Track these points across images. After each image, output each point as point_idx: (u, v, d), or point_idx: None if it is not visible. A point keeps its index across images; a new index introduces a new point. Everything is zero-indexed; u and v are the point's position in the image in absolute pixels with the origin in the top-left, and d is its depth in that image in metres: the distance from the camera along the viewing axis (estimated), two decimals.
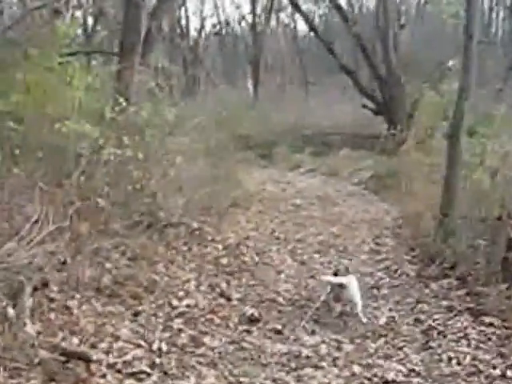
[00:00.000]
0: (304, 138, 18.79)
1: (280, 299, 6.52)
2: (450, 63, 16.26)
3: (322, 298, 6.20)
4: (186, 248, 7.96)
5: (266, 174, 16.17)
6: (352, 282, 6.08)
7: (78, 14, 20.07)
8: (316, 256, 8.33)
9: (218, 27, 36.33)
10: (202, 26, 34.88)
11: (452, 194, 8.20)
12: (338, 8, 17.62)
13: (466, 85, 8.15)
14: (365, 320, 5.93)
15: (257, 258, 8.03)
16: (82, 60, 11.70)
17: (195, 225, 8.65)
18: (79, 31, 20.27)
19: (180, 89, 26.85)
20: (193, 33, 33.99)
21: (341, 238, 9.44)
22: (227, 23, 36.14)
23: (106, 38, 20.69)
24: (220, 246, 8.28)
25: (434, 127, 13.43)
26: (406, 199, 11.53)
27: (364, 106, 17.53)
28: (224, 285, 6.83)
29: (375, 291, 6.92)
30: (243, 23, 34.91)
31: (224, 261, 7.71)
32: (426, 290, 6.80)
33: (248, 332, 5.58)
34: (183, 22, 32.25)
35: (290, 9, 32.43)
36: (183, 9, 31.39)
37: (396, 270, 7.63)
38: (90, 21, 21.15)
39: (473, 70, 8.24)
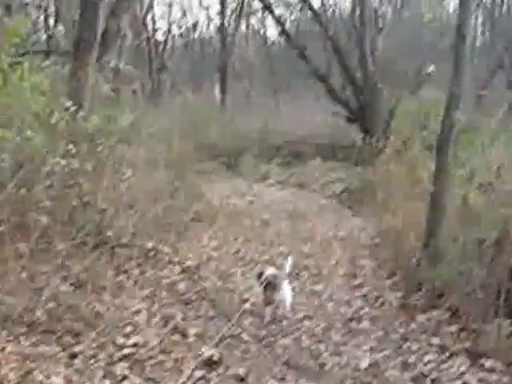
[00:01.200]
0: (273, 147, 18.03)
1: (244, 335, 5.73)
2: (429, 69, 15.69)
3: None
4: (138, 271, 7.10)
5: (231, 185, 15.34)
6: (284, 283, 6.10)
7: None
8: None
9: (185, 31, 35.59)
10: (169, 30, 34.08)
11: (439, 211, 7.47)
12: (312, 10, 16.91)
13: (457, 91, 7.43)
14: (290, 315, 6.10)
15: (219, 283, 7.20)
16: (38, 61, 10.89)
17: (150, 244, 7.79)
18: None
19: (144, 94, 26.22)
20: (160, 37, 33.17)
21: (313, 259, 8.65)
22: (194, 26, 35.29)
23: (65, 37, 19.89)
24: (178, 269, 7.45)
25: (413, 137, 12.78)
26: (383, 215, 10.83)
27: (335, 114, 16.81)
28: (180, 317, 6.01)
29: (354, 324, 6.15)
30: (211, 27, 34.26)
31: (181, 286, 6.88)
32: (413, 324, 6.04)
33: (205, 380, 4.75)
34: (149, 25, 31.41)
35: (260, 14, 32.07)
36: (150, 12, 30.55)
37: (377, 298, 6.87)
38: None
39: (465, 75, 7.54)
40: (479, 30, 26.88)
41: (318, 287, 7.34)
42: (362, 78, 15.68)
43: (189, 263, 7.72)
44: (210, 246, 8.98)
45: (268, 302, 6.13)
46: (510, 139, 9.53)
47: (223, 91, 25.85)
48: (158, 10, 30.31)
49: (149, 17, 30.34)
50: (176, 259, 7.78)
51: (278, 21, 17.83)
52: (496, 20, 23.94)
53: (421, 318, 6.13)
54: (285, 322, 6.11)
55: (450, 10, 26.92)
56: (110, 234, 7.15)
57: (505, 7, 25.29)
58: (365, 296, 6.99)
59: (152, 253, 7.67)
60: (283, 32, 17.86)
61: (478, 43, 26.32)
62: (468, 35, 7.70)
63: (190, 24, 35.32)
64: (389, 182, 11.91)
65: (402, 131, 13.46)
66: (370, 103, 15.52)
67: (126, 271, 6.94)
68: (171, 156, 11.82)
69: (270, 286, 6.08)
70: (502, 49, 19.83)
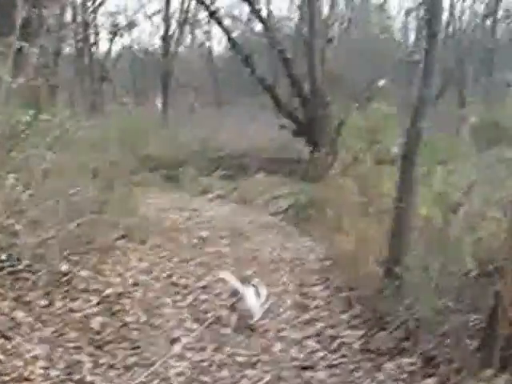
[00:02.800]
0: (216, 159, 16.69)
1: None
2: (381, 83, 14.66)
3: None
4: (44, 303, 5.61)
5: (170, 198, 13.96)
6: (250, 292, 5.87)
7: None
8: (223, 314, 6.17)
9: (129, 40, 34.01)
10: (113, 39, 32.41)
11: (405, 234, 6.28)
12: (260, 19, 15.67)
13: (426, 94, 6.26)
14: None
15: (144, 318, 5.78)
16: None
17: (64, 268, 6.33)
18: None
19: (84, 104, 24.67)
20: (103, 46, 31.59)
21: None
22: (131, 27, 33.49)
23: None
24: (95, 299, 5.99)
25: (363, 151, 11.66)
26: (334, 235, 9.63)
27: (282, 127, 15.59)
28: (89, 366, 4.59)
29: (307, 374, 4.83)
30: (156, 38, 32.78)
31: (96, 323, 5.43)
32: (380, 375, 4.74)
33: None
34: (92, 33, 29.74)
35: (205, 26, 30.78)
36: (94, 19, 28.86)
37: (333, 339, 5.56)
38: None
39: (435, 76, 6.38)
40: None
41: (263, 321, 6.02)
42: (310, 90, 14.51)
43: (109, 291, 6.28)
44: (138, 269, 7.60)
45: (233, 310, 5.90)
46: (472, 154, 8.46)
47: (165, 102, 24.43)
48: (102, 17, 28.70)
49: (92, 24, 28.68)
50: (95, 286, 6.33)
51: (224, 28, 16.56)
52: (445, 38, 23.24)
53: (389, 366, 4.85)
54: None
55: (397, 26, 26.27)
56: (13, 254, 5.71)
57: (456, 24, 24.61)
58: (319, 335, 5.68)
59: (65, 278, 6.20)
60: (229, 40, 16.57)
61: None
62: (439, 32, 6.59)
63: (133, 32, 33.61)
64: (340, 199, 10.75)
65: (352, 145, 12.36)
66: (318, 116, 14.36)
67: (27, 302, 5.47)
68: (104, 166, 10.41)
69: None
70: (452, 66, 19.02)
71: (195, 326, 5.74)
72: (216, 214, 12.29)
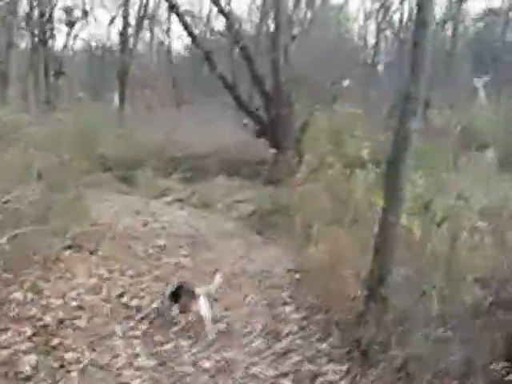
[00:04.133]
0: (174, 160, 15.54)
1: None
2: (345, 83, 13.78)
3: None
4: None
5: (125, 202, 12.81)
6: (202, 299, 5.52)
7: None
8: (184, 344, 5.16)
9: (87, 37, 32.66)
10: (69, 33, 30.92)
11: (391, 249, 5.37)
12: (223, 14, 14.61)
13: (415, 91, 5.36)
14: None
15: (88, 354, 4.74)
16: None
17: None
18: None
19: (37, 99, 23.37)
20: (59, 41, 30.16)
21: (220, 305, 6.35)
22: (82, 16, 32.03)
23: None
24: (29, 330, 4.93)
25: (332, 154, 10.76)
26: (303, 244, 8.70)
27: (244, 126, 14.57)
28: None
29: None
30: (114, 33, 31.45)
31: (27, 364, 4.37)
32: None
33: None
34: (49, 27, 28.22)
35: (165, 23, 29.63)
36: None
37: (313, 378, 4.62)
38: None
39: (425, 72, 5.47)
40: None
41: (229, 354, 5.04)
42: (274, 89, 13.54)
43: (48, 319, 5.21)
44: (85, 286, 6.53)
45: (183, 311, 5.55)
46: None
47: (122, 99, 23.14)
48: (59, 12, 27.29)
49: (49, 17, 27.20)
50: (31, 312, 5.27)
51: (184, 22, 15.44)
52: (402, 43, 22.53)
53: None
54: None
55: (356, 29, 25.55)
56: None
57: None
58: (295, 372, 4.72)
59: None
60: (189, 34, 15.45)
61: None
62: (430, 23, 5.69)
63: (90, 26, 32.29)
64: (308, 206, 9.83)
65: (317, 147, 11.43)
66: (281, 116, 13.39)
67: None
68: (51, 165, 9.32)
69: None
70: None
71: (151, 362, 4.72)
72: (174, 219, 11.21)
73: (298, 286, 7.21)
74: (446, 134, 9.35)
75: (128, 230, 9.92)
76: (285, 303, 6.49)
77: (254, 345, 5.25)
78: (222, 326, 5.68)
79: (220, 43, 25.75)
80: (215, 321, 5.77)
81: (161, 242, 9.21)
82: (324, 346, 5.17)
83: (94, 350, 4.79)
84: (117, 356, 4.74)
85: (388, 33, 24.93)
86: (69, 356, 4.60)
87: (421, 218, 5.80)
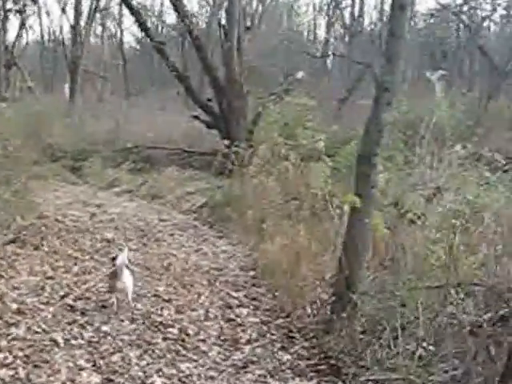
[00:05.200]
0: (124, 151, 14.58)
1: None
2: (299, 75, 13.06)
3: None
4: None
5: (73, 192, 11.89)
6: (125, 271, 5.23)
7: None
8: (132, 356, 4.35)
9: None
10: (23, 24, 29.33)
11: (361, 250, 4.68)
12: (175, 5, 13.63)
13: (389, 80, 4.66)
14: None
15: (22, 372, 3.87)
16: None
17: None
18: None
19: None
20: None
21: (172, 307, 5.55)
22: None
23: None
24: None
25: (286, 146, 10.04)
26: (257, 239, 7.97)
27: (195, 117, 13.68)
28: None
29: None
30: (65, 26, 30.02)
31: None
32: None
33: None
34: None
35: (116, 15, 28.50)
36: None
37: None
38: None
39: (401, 59, 4.79)
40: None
41: (183, 365, 4.26)
42: (226, 80, 12.72)
43: None
44: (27, 286, 5.66)
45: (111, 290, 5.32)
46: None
47: (73, 90, 21.94)
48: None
49: None
50: None
51: (136, 13, 14.43)
52: (355, 35, 22.00)
53: None
54: None
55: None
56: None
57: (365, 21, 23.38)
58: None
59: None
60: (140, 25, 14.46)
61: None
62: (407, 6, 5.00)
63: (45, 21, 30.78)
64: (261, 198, 9.09)
65: (270, 139, 10.68)
66: (233, 108, 12.58)
67: None
68: None
69: (114, 273, 5.27)
70: (364, 65, 17.67)
71: (97, 379, 3.90)
72: (123, 211, 10.32)
73: (254, 285, 6.48)
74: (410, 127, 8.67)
75: (75, 222, 9.03)
76: (241, 305, 5.74)
77: (210, 355, 4.48)
78: (174, 331, 4.89)
79: (171, 36, 24.87)
80: (166, 326, 4.99)
81: (109, 236, 8.36)
82: (288, 357, 4.44)
83: (30, 365, 3.93)
84: (56, 372, 3.90)
85: (338, 27, 24.41)
86: (2, 373, 3.74)
87: (390, 215, 5.12)
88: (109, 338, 4.59)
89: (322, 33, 24.72)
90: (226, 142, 11.12)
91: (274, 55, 16.76)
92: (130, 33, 41.92)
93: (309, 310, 5.12)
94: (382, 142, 4.56)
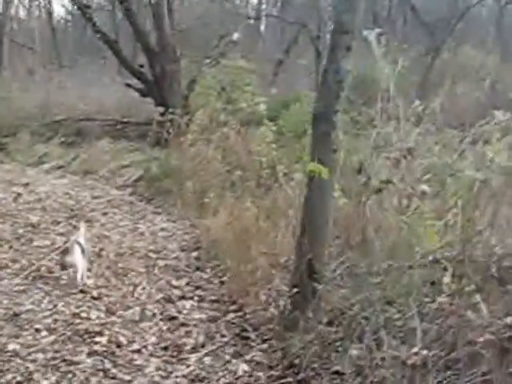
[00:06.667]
0: (53, 124, 13.07)
1: None
2: (235, 36, 11.86)
3: None
4: None
5: None
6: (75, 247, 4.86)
7: None
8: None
9: None
10: None
11: (322, 226, 3.67)
12: None
13: (349, 21, 3.60)
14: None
15: None
16: None
17: None
18: None
19: None
20: None
21: (102, 305, 4.44)
22: None
23: None
24: None
25: (224, 111, 8.95)
26: (198, 214, 6.91)
27: (128, 85, 12.33)
28: None
29: None
30: None
31: None
32: None
33: None
34: None
35: None
36: None
37: None
38: None
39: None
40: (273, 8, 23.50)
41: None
42: (158, 44, 11.42)
43: None
44: None
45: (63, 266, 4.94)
46: None
47: None
48: None
49: None
50: None
51: None
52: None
53: None
54: None
55: None
56: None
57: None
58: None
59: None
60: None
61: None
62: None
63: None
64: (201, 169, 8.01)
65: (208, 104, 9.53)
66: (167, 73, 11.29)
67: None
68: None
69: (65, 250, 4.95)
70: (299, 25, 16.53)
71: None
72: (52, 190, 9.00)
73: (198, 268, 5.42)
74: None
75: None
76: (183, 296, 4.67)
77: (147, 372, 3.41)
78: (102, 341, 3.79)
79: (101, 5, 23.12)
80: (93, 334, 3.89)
81: (34, 219, 7.13)
82: (244, 367, 3.41)
83: None
84: None
85: None
86: None
87: (353, 184, 4.12)
88: (17, 360, 3.46)
89: None
90: (161, 109, 9.91)
91: (207, 17, 15.45)
92: (61, 4, 39.65)
93: (264, 302, 4.12)
94: (342, 95, 3.53)
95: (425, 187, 3.75)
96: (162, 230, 6.91)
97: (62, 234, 6.45)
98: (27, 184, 9.34)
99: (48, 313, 4.23)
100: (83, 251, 4.93)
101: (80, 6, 12.16)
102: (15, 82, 18.24)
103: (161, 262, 5.61)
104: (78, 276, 4.78)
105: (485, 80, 11.91)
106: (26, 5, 29.70)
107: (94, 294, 4.66)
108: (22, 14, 30.30)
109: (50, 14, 26.96)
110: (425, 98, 6.28)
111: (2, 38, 20.20)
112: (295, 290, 3.58)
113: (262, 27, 21.76)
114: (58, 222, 7.05)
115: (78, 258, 4.82)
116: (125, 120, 12.65)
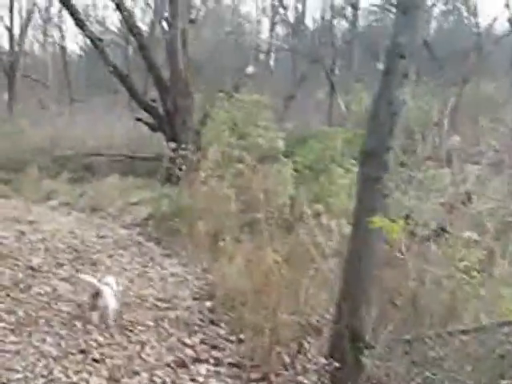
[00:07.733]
0: (62, 159, 12.52)
1: None
2: (249, 70, 11.35)
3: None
4: None
5: (2, 208, 9.84)
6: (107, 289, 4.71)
7: None
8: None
9: None
10: None
11: (368, 287, 3.01)
12: (119, 7, 11.66)
13: (409, 41, 2.98)
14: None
15: None
16: None
17: None
18: None
19: None
20: None
21: (104, 370, 3.74)
22: None
23: None
24: None
25: (239, 146, 8.35)
26: (210, 256, 6.26)
27: (138, 120, 11.78)
28: None
29: None
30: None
31: None
32: None
33: None
34: None
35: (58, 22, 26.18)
36: None
37: None
38: None
39: (421, 10, 3.11)
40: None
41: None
42: (171, 78, 10.90)
43: None
44: None
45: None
46: None
47: (11, 96, 19.72)
48: None
49: None
50: None
51: (77, 18, 12.31)
52: (299, 33, 20.39)
53: None
54: None
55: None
56: None
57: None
58: None
59: None
60: (82, 28, 12.32)
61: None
62: None
63: None
64: (214, 207, 7.36)
65: (220, 140, 8.92)
66: (179, 108, 10.76)
67: None
68: None
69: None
70: (307, 63, 16.08)
71: None
72: (58, 228, 8.34)
73: (213, 322, 4.73)
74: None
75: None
76: (198, 359, 3.97)
77: None
78: None
79: (114, 41, 22.83)
80: None
81: (35, 261, 6.46)
82: None
83: None
84: None
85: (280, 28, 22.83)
86: None
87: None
88: None
89: (264, 30, 23.11)
90: (172, 144, 9.31)
91: (220, 51, 15.01)
92: (75, 42, 39.75)
93: (291, 367, 3.43)
94: (397, 129, 2.89)
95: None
96: (172, 275, 6.23)
97: (64, 280, 5.80)
98: (32, 222, 8.70)
99: (42, 381, 3.55)
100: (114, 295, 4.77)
101: (92, 39, 11.66)
102: (26, 117, 17.84)
103: (171, 314, 4.92)
104: (111, 315, 4.59)
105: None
106: (40, 40, 29.68)
107: (96, 355, 3.97)
108: (36, 49, 30.31)
109: (63, 49, 26.78)
110: (457, 132, 5.70)
111: (15, 74, 19.89)
112: (335, 363, 2.89)
113: (271, 61, 21.43)
114: (61, 265, 6.38)
115: (109, 299, 4.61)
116: (134, 155, 12.06)
